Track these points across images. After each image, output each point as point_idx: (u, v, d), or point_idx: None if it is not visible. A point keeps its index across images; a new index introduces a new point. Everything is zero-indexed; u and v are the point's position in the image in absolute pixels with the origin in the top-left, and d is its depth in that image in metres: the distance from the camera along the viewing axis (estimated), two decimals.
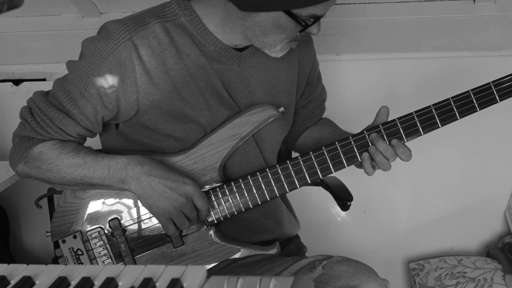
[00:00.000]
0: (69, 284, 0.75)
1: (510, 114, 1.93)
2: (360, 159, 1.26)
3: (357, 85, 2.00)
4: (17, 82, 2.13)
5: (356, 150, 1.27)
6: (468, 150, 2.02)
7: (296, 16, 1.15)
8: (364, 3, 2.00)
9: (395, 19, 1.99)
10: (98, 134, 1.35)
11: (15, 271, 0.78)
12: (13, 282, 0.75)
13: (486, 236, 2.15)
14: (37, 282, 0.76)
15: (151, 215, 1.29)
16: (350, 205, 1.56)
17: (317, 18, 1.18)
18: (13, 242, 2.28)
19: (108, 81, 1.20)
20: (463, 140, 1.99)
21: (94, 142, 1.37)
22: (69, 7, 2.09)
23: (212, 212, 1.30)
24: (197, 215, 1.27)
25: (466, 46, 1.91)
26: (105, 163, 1.23)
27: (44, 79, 2.09)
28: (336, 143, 1.27)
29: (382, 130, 1.26)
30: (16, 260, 2.22)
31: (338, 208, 1.59)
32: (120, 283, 0.74)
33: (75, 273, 0.77)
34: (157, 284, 0.73)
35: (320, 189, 1.67)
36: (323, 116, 1.56)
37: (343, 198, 1.56)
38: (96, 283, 0.74)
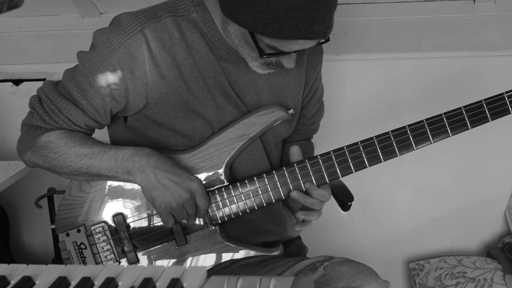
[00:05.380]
0: (69, 284, 0.75)
1: (510, 115, 1.93)
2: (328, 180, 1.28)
3: (357, 85, 2.00)
4: (17, 82, 2.13)
5: (364, 156, 1.27)
6: (468, 150, 2.02)
7: (257, 40, 1.14)
8: (364, 3, 2.00)
9: (395, 19, 1.99)
10: (106, 127, 1.35)
11: (15, 271, 0.78)
12: (13, 282, 0.75)
13: (486, 236, 2.15)
14: (37, 282, 0.76)
15: (155, 213, 1.29)
16: (350, 205, 1.56)
17: (278, 52, 1.15)
18: (13, 242, 2.28)
19: (118, 72, 1.20)
20: (463, 140, 1.98)
21: (102, 135, 1.37)
22: (69, 7, 2.08)
23: (216, 212, 1.30)
24: (196, 213, 1.27)
25: (466, 46, 1.91)
26: (112, 153, 1.23)
27: (44, 79, 2.09)
28: (345, 147, 1.27)
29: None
30: (16, 260, 2.22)
31: (339, 208, 1.59)
32: (120, 283, 0.74)
33: (75, 273, 0.77)
34: (157, 284, 0.73)
35: None
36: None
37: (344, 198, 1.56)
38: (96, 283, 0.74)
